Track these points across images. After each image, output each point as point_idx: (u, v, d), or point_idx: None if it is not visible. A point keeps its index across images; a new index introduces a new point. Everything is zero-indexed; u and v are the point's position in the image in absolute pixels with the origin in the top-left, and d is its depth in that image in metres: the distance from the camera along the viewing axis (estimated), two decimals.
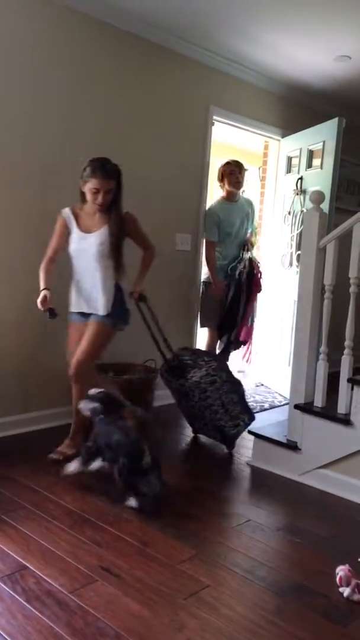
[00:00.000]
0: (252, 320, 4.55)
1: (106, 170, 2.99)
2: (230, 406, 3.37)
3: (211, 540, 2.46)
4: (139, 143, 3.97)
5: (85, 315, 3.17)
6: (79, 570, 2.16)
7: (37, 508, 2.62)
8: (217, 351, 4.43)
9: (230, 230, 4.32)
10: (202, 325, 4.48)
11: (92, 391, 2.89)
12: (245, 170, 4.42)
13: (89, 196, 3.04)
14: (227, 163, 4.34)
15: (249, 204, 4.50)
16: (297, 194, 4.64)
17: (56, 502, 2.68)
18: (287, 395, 3.54)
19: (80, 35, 3.56)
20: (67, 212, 3.14)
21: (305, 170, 4.62)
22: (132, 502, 2.65)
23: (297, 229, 4.54)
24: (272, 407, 4.43)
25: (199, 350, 3.99)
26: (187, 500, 2.82)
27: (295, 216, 4.66)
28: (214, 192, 4.68)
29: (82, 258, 3.10)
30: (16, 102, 3.32)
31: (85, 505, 2.67)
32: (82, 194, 3.08)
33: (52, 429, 3.57)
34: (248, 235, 4.45)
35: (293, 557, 2.39)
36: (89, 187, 3.01)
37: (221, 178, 4.36)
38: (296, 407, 3.15)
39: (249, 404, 3.62)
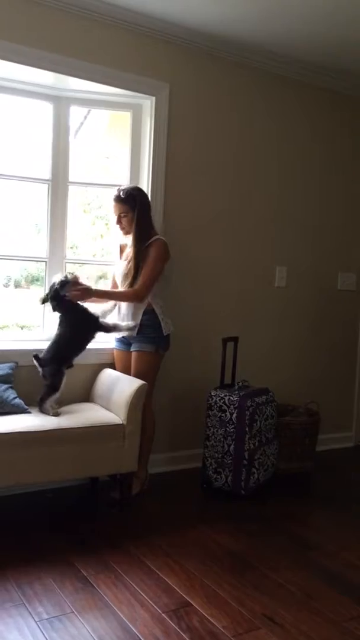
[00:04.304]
0: None
1: (118, 194, 3.07)
2: None
3: None
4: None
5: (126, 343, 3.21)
6: (241, 614, 2.14)
7: (199, 546, 2.65)
8: None
9: None
10: None
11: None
12: None
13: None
14: None
15: None
16: None
17: (218, 542, 2.70)
18: None
19: None
20: (118, 244, 3.28)
21: None
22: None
23: None
24: None
25: None
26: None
27: None
28: None
29: (120, 284, 3.16)
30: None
31: (247, 548, 2.66)
32: None
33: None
34: None
35: None
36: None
37: None
38: None
39: None
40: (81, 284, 2.96)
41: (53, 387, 2.89)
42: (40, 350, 2.96)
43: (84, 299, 2.97)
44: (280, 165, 3.88)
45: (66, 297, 2.91)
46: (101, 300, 3.11)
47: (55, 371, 2.90)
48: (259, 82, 3.72)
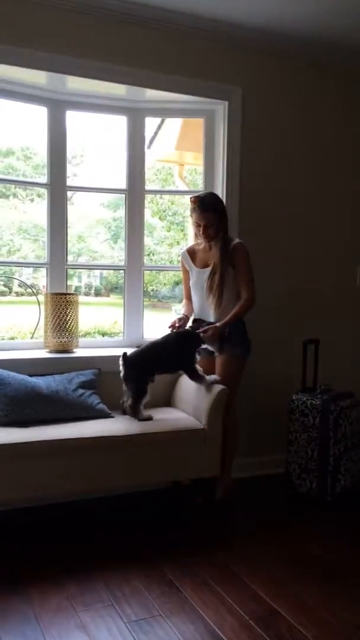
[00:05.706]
0: None
1: (204, 203, 3.00)
2: None
3: None
4: None
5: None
6: (331, 624, 2.08)
7: (286, 553, 2.61)
8: None
9: None
10: None
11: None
12: None
13: (195, 230, 3.08)
14: None
15: None
16: None
17: (305, 550, 2.64)
18: None
19: None
20: (184, 252, 3.23)
21: None
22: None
23: None
24: None
25: None
26: None
27: None
28: None
29: (198, 292, 3.12)
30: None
31: (335, 556, 2.58)
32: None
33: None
34: None
35: None
36: (193, 222, 3.06)
37: None
38: None
39: None
40: (207, 328, 2.96)
41: (142, 392, 2.89)
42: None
43: (218, 337, 2.96)
44: (359, 162, 3.77)
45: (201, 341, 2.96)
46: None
47: (141, 375, 2.90)
48: (335, 80, 3.63)
